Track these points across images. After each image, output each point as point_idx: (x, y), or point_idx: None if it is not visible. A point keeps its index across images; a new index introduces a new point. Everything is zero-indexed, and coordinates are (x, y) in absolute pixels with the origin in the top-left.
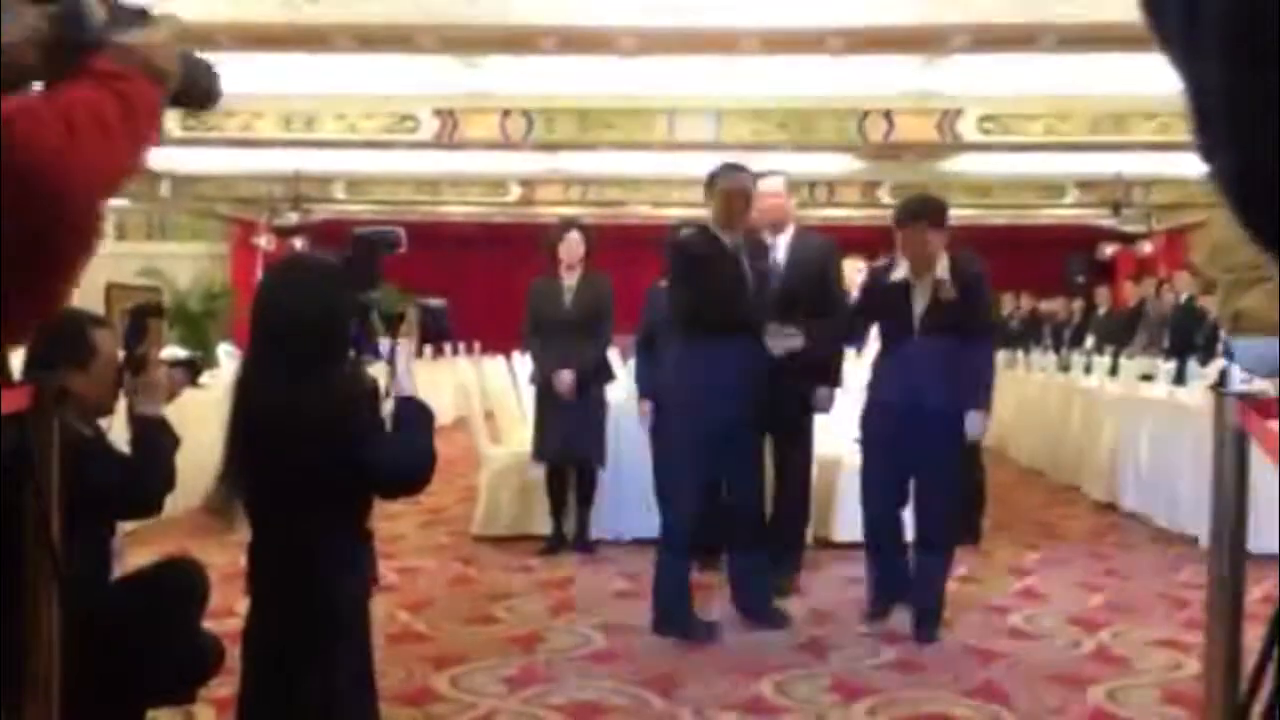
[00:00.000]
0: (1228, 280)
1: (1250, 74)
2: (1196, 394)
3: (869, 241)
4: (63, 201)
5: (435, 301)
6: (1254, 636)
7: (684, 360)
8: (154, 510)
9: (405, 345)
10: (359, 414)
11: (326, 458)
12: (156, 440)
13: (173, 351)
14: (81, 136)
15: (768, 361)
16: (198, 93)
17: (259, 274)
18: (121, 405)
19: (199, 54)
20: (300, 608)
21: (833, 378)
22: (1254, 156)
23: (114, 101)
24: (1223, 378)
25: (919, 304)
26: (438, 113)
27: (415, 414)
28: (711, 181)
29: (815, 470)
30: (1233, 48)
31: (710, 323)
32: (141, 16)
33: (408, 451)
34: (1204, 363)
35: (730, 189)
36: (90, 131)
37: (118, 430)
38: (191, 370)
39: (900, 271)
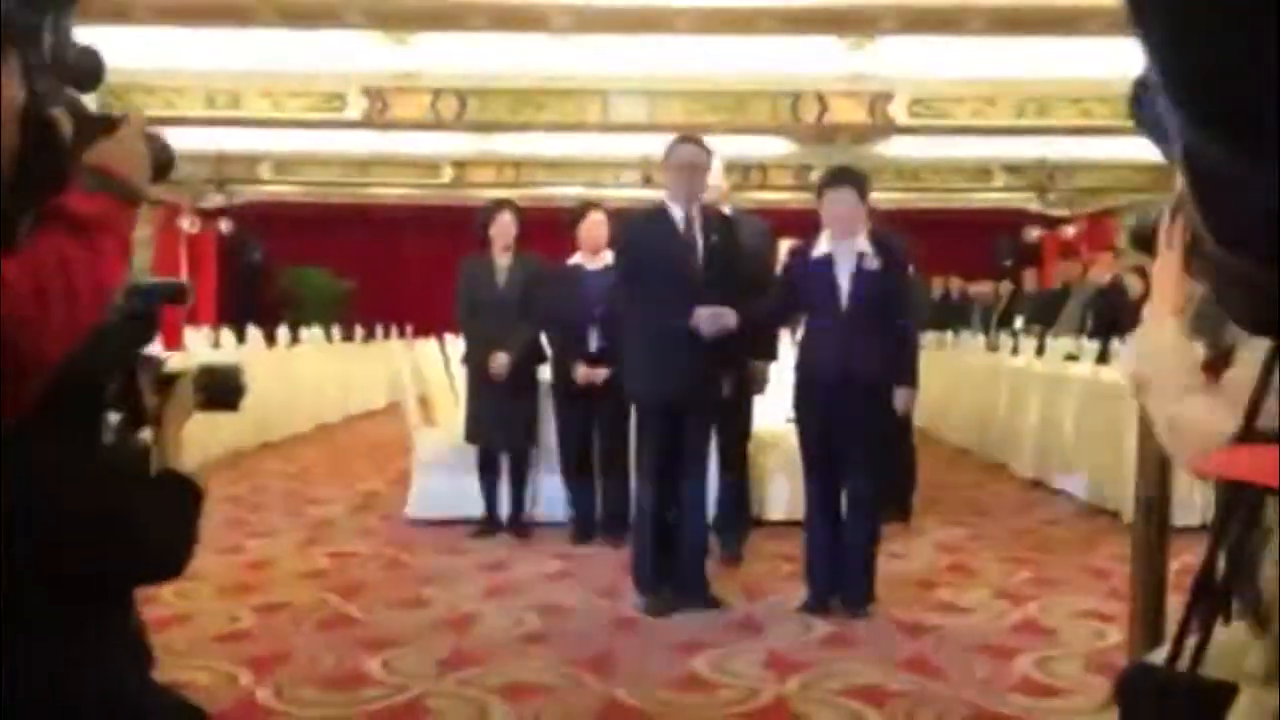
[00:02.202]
0: (1160, 385)
1: None
2: (1120, 372)
3: (802, 224)
4: (22, 369)
5: (225, 363)
6: (1175, 606)
7: (636, 335)
8: None
9: (178, 413)
10: (107, 485)
11: (63, 531)
12: None
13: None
14: (52, 308)
15: (704, 339)
16: (162, 174)
17: (183, 257)
18: None
19: (157, 137)
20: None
21: (768, 351)
22: (1189, 41)
23: (85, 258)
24: None
25: (843, 278)
26: (366, 92)
27: (178, 492)
28: (667, 154)
29: (750, 447)
30: None
31: (657, 296)
32: (107, 122)
33: (159, 536)
34: (1126, 342)
35: (679, 162)
36: (60, 301)
37: None
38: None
39: (822, 247)
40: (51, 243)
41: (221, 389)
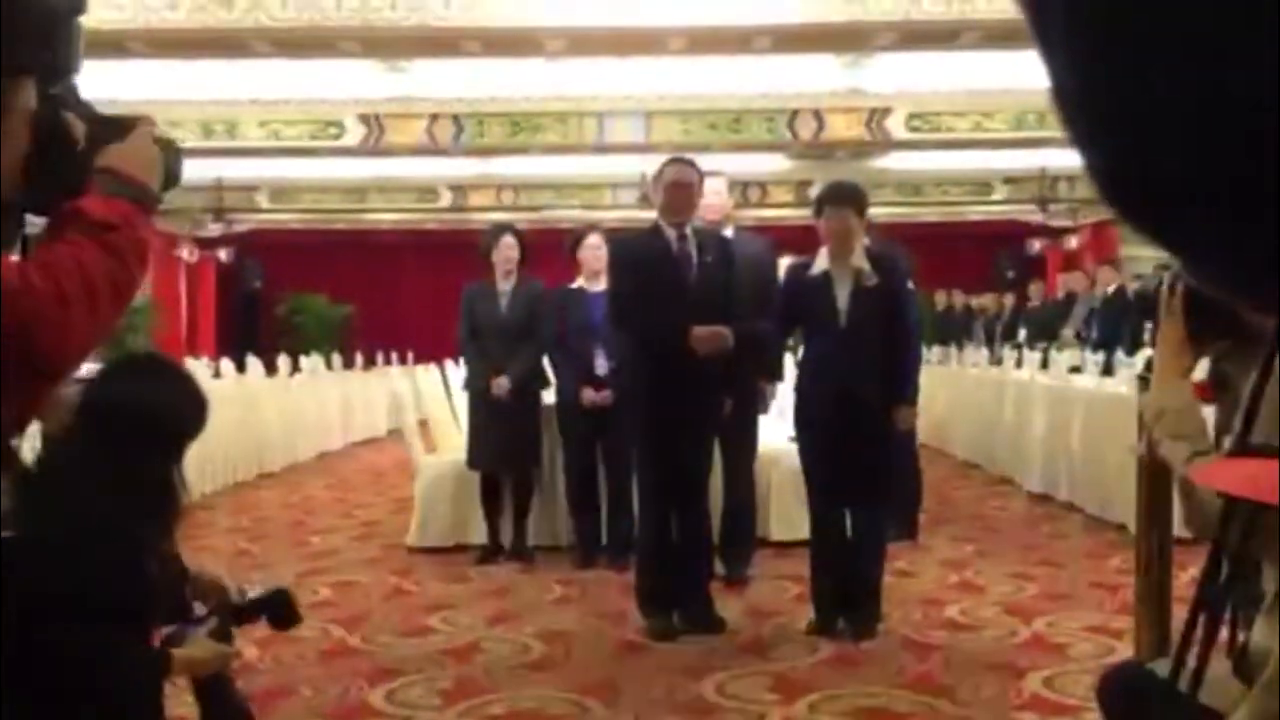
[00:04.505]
0: (1172, 448)
1: (1100, 67)
2: (1124, 384)
3: (803, 241)
4: (47, 370)
5: (272, 590)
6: (1182, 619)
7: (634, 355)
8: None
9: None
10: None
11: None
12: None
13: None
14: (73, 309)
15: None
16: (172, 181)
17: (182, 287)
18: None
19: (169, 141)
20: None
21: (774, 373)
22: (1117, 155)
23: (104, 261)
24: (1148, 367)
25: (842, 295)
26: (363, 118)
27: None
28: (658, 175)
29: (754, 467)
30: (1079, 42)
31: (651, 317)
32: (119, 126)
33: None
34: (1131, 353)
35: (671, 181)
36: (81, 302)
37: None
38: None
39: (820, 264)
40: (70, 246)
41: (271, 616)
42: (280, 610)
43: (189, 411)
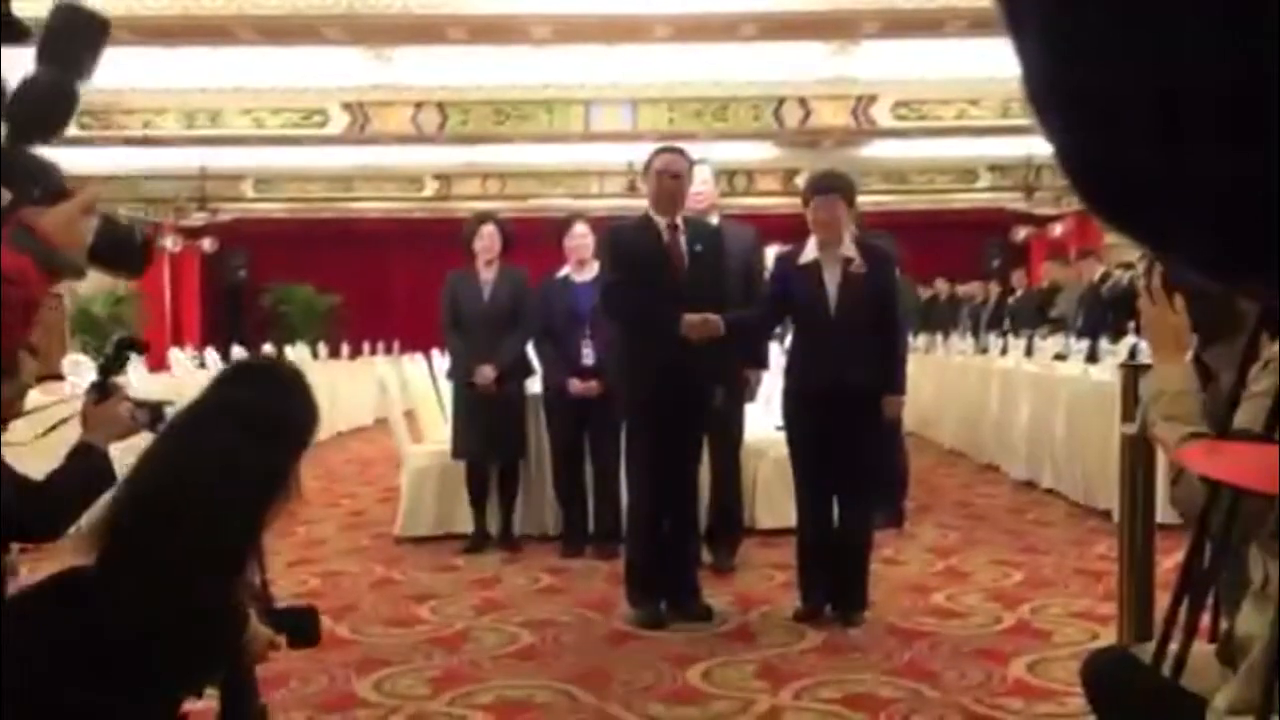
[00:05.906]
0: (1165, 432)
1: (1071, 57)
2: (1108, 371)
3: (790, 229)
4: None
5: (298, 605)
6: (1165, 605)
7: (625, 344)
8: (50, 537)
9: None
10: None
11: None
12: (89, 472)
13: (145, 391)
14: None
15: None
16: (121, 260)
17: (166, 277)
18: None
19: (126, 222)
20: None
21: (760, 361)
22: (1088, 146)
23: None
24: (1133, 354)
25: (831, 283)
26: (347, 106)
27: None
28: (647, 164)
29: (741, 456)
30: (1051, 32)
31: (643, 307)
32: (60, 192)
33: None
34: (1115, 340)
35: (660, 169)
36: None
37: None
38: (155, 415)
39: (809, 253)
40: None
41: (295, 630)
42: (306, 627)
43: (315, 415)
